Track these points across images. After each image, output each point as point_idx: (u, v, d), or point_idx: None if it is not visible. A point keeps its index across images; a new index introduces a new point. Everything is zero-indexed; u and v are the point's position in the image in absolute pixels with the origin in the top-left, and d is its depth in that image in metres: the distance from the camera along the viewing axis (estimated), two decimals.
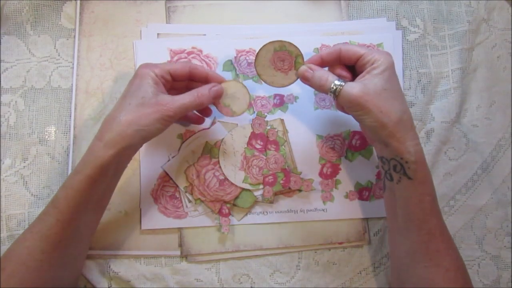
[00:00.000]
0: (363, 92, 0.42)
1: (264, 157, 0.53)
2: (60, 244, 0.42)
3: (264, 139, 0.53)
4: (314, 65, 0.46)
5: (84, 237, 0.46)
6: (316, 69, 0.46)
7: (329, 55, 0.46)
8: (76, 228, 0.43)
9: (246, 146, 0.53)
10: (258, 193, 0.53)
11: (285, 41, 0.47)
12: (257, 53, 0.47)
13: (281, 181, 0.53)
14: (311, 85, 0.46)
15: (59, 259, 0.43)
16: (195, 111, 0.52)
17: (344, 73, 0.46)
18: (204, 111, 0.53)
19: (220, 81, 0.48)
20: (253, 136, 0.53)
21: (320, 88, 0.45)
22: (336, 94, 0.43)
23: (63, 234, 0.42)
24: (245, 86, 0.49)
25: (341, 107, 0.48)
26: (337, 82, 0.43)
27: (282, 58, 0.47)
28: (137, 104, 0.43)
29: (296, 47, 0.47)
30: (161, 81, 0.45)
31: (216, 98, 0.48)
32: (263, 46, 0.47)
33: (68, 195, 0.42)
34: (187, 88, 0.48)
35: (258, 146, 0.53)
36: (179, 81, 0.48)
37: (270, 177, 0.53)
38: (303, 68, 0.46)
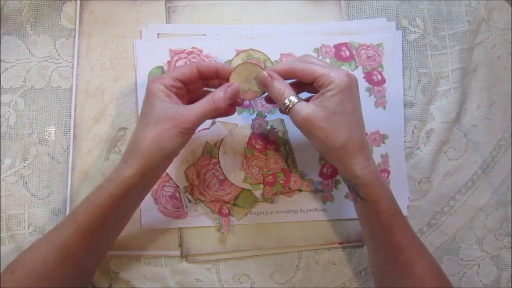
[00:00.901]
0: (311, 115, 0.42)
1: (264, 157, 0.53)
2: (74, 256, 0.42)
3: (264, 139, 0.53)
4: (276, 74, 0.45)
5: (99, 253, 0.46)
6: (276, 78, 0.44)
7: (286, 73, 0.45)
8: (92, 243, 0.43)
9: (246, 146, 0.53)
10: (258, 193, 0.53)
11: (250, 49, 0.46)
12: (230, 76, 0.46)
13: (281, 181, 0.53)
14: (268, 92, 0.45)
15: (71, 271, 0.42)
16: None
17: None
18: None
19: (230, 71, 0.46)
20: (253, 136, 0.53)
21: (275, 99, 0.44)
22: (287, 110, 0.43)
23: (78, 247, 0.42)
24: (255, 64, 0.46)
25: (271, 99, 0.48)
26: (291, 99, 0.43)
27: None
28: (153, 122, 0.42)
29: (261, 52, 0.46)
30: (173, 91, 0.43)
31: (233, 98, 0.45)
32: (232, 59, 0.47)
33: (88, 209, 0.42)
34: (204, 86, 0.48)
35: (258, 146, 0.53)
36: (190, 83, 0.46)
37: (270, 177, 0.53)
38: (263, 74, 0.45)
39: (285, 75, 0.45)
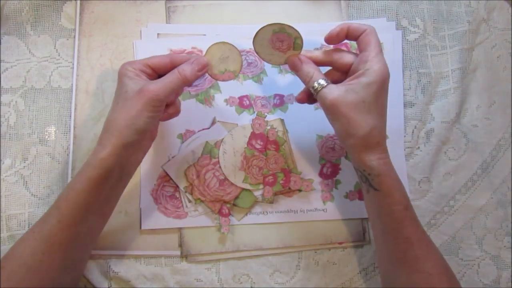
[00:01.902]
0: (340, 99, 0.42)
1: (264, 157, 0.53)
2: (61, 246, 0.42)
3: (264, 139, 0.53)
4: (306, 58, 0.46)
5: (86, 241, 0.46)
6: (306, 61, 0.45)
7: (321, 59, 0.45)
8: (77, 231, 0.42)
9: (246, 146, 0.53)
10: (258, 193, 0.53)
11: (284, 24, 0.46)
12: (256, 33, 0.46)
13: (281, 181, 0.53)
14: (297, 75, 0.46)
15: (60, 262, 0.42)
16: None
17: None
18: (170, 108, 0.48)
19: (206, 62, 0.46)
20: (253, 136, 0.53)
21: (304, 81, 0.45)
22: (315, 92, 0.44)
23: (64, 236, 0.42)
24: (227, 42, 0.46)
25: (303, 97, 0.48)
26: (320, 81, 0.43)
27: (281, 39, 0.46)
28: (123, 99, 0.42)
29: (295, 29, 0.46)
30: (142, 75, 0.44)
31: (202, 70, 0.45)
32: (261, 28, 0.46)
33: (69, 196, 0.41)
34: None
35: (258, 146, 0.53)
36: (163, 75, 0.45)
37: (270, 177, 0.53)
38: (294, 58, 0.46)
39: (320, 61, 0.46)
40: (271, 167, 0.53)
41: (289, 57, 0.46)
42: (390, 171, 0.43)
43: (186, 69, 0.44)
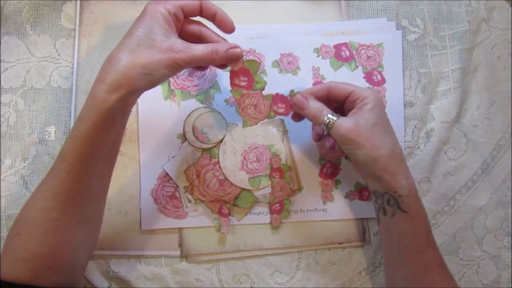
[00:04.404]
0: (355, 127, 0.43)
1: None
2: (73, 200, 0.40)
3: (248, 75, 0.48)
4: (309, 95, 0.46)
5: (98, 194, 0.43)
6: (311, 99, 0.46)
7: (319, 91, 0.46)
8: (88, 182, 0.40)
9: (231, 88, 0.48)
10: (258, 193, 0.53)
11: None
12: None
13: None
14: (304, 115, 0.46)
15: (75, 217, 0.40)
16: None
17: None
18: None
19: (231, 24, 0.44)
20: (234, 74, 0.47)
21: (313, 119, 0.45)
22: (328, 127, 0.44)
23: (75, 189, 0.39)
24: (223, 118, 0.52)
25: (318, 137, 0.50)
26: (330, 116, 0.44)
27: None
28: (147, 46, 0.39)
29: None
30: (173, 21, 0.41)
31: (232, 61, 0.44)
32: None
33: (75, 146, 0.39)
34: (197, 38, 0.45)
35: (243, 84, 0.47)
36: (189, 19, 0.44)
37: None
38: (298, 97, 0.46)
39: (318, 93, 0.46)
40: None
41: (293, 97, 0.47)
42: (417, 191, 0.44)
43: (220, 53, 0.42)
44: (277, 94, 0.48)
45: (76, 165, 0.39)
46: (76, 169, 0.39)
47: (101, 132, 0.39)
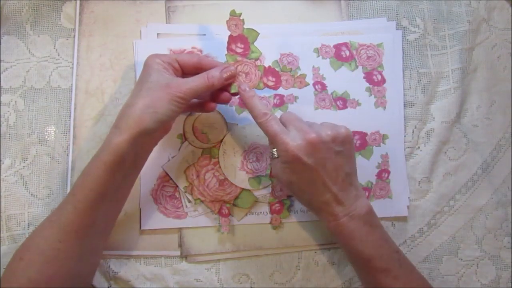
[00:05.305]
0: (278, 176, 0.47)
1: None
2: (77, 234, 0.42)
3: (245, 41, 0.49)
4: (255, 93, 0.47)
5: (101, 229, 0.45)
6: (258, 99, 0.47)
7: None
8: (93, 218, 0.42)
9: (226, 52, 0.48)
10: (258, 193, 0.53)
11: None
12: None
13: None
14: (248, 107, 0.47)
15: (76, 250, 0.42)
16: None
17: None
18: (220, 98, 0.49)
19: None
20: (232, 39, 0.48)
21: (256, 118, 0.46)
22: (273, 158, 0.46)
23: (80, 223, 0.41)
24: (223, 118, 0.53)
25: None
26: (274, 152, 0.45)
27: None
28: (147, 88, 0.43)
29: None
30: (169, 69, 0.45)
31: (229, 80, 0.47)
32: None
33: (85, 182, 0.41)
34: (198, 70, 0.47)
35: (239, 50, 0.48)
36: (187, 72, 0.47)
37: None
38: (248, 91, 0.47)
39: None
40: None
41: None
42: (339, 234, 0.46)
43: (215, 76, 0.45)
44: (269, 67, 0.50)
45: (82, 200, 0.41)
46: (83, 204, 0.41)
47: (110, 172, 0.41)
